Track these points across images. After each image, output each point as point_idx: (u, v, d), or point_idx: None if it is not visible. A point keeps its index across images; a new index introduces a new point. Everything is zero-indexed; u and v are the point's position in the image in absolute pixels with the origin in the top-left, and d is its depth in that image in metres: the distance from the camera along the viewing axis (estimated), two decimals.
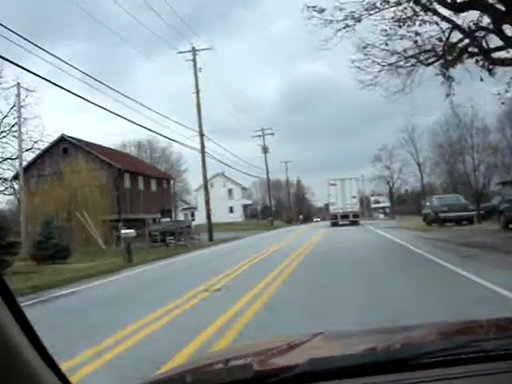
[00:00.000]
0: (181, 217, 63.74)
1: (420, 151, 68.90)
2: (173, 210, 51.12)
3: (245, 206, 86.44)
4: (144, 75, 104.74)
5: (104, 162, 34.93)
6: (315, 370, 1.12)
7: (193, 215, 68.96)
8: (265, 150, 63.81)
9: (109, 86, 20.57)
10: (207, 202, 34.45)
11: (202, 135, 33.79)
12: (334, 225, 40.73)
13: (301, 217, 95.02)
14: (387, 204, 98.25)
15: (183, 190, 77.36)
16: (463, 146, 43.65)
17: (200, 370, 1.38)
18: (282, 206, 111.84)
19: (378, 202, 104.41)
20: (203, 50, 32.88)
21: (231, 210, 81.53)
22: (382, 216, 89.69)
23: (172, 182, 52.33)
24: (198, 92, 33.06)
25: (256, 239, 31.91)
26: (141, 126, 25.21)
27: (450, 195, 34.52)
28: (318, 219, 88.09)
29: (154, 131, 30.41)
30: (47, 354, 0.94)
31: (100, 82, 32.01)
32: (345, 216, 41.49)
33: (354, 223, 40.24)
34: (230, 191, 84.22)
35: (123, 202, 34.92)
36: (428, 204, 32.87)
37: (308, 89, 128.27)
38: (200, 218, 59.88)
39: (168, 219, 36.98)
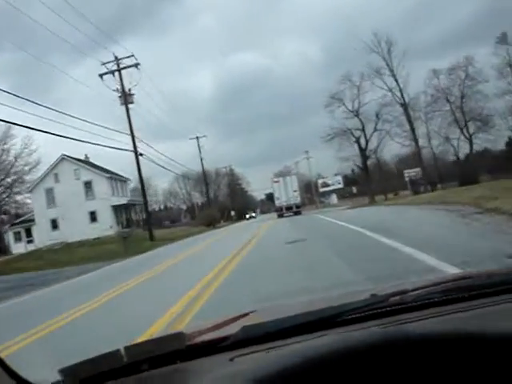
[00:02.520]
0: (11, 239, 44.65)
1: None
2: None
3: (120, 208, 50.59)
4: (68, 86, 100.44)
5: None
6: (248, 337, 1.16)
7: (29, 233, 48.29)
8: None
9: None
10: None
11: None
12: (280, 216, 44.66)
13: (233, 213, 75.18)
14: (338, 186, 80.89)
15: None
16: None
17: (134, 344, 1.34)
18: (215, 202, 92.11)
19: (326, 184, 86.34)
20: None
21: (93, 217, 48.26)
22: (334, 200, 71.71)
23: None
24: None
25: None
26: None
27: None
28: (254, 214, 67.33)
29: None
30: None
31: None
32: (289, 208, 45.53)
33: (297, 213, 44.12)
34: (86, 186, 48.67)
35: None
36: None
37: (243, 80, 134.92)
38: (43, 236, 40.14)
39: None
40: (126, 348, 1.19)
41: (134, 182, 57.28)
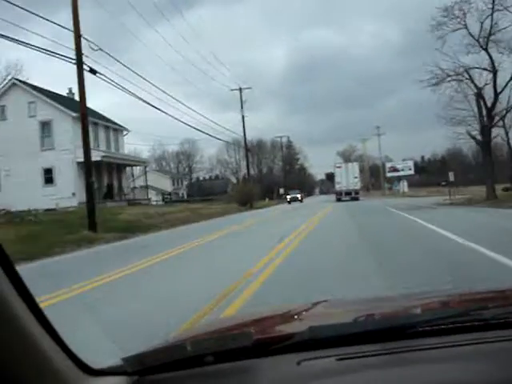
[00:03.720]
0: None
1: None
2: None
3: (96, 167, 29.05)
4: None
5: None
6: (315, 338, 1.12)
7: None
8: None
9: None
10: None
11: None
12: (339, 200, 46.03)
13: (282, 191, 65.45)
14: (408, 172, 70.05)
15: None
16: None
17: (200, 337, 1.37)
18: (269, 177, 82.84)
19: (395, 169, 75.44)
20: None
21: (48, 177, 33.38)
22: (405, 188, 60.58)
23: None
24: None
25: None
26: None
27: None
28: (298, 196, 56.58)
29: None
30: (57, 334, 0.91)
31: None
32: (348, 193, 47.28)
33: (355, 199, 45.83)
34: (44, 128, 33.82)
35: None
36: None
37: (314, 57, 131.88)
38: None
39: None
40: (192, 341, 1.21)
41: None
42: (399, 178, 69.60)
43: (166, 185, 68.70)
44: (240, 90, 50.20)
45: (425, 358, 1.05)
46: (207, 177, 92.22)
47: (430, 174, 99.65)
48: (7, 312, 0.79)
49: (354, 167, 49.88)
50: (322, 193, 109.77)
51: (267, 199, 61.29)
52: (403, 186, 62.34)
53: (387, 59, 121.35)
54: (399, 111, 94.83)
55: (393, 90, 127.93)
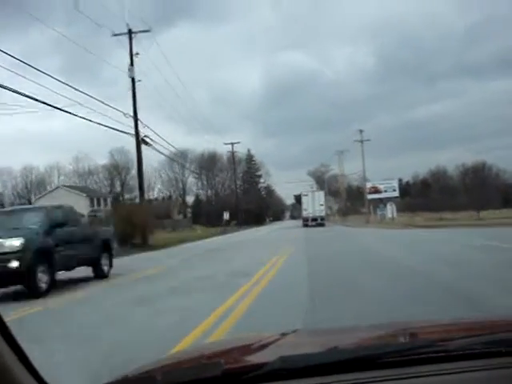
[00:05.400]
0: None
1: None
2: None
3: None
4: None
5: None
6: (285, 368, 1.12)
7: None
8: None
9: None
10: None
11: None
12: (306, 226, 48.42)
13: (226, 216, 49.49)
14: (392, 194, 56.51)
15: None
16: None
17: (169, 367, 1.38)
18: (226, 199, 67.27)
19: (376, 190, 62.12)
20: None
21: None
22: (390, 213, 45.69)
23: None
24: None
25: None
26: None
27: None
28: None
29: None
30: (21, 350, 0.93)
31: None
32: (314, 219, 49.83)
33: (321, 225, 48.29)
34: None
35: None
36: None
37: (286, 81, 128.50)
38: None
39: None
40: (162, 371, 1.24)
41: None
42: (381, 201, 54.92)
43: (80, 205, 52.12)
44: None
45: None
46: (156, 196, 76.08)
47: (414, 196, 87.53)
48: None
49: (320, 195, 52.72)
50: (292, 218, 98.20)
51: (198, 228, 45.03)
52: (391, 210, 47.20)
53: (361, 83, 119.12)
54: (374, 135, 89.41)
55: (368, 115, 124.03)
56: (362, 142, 54.11)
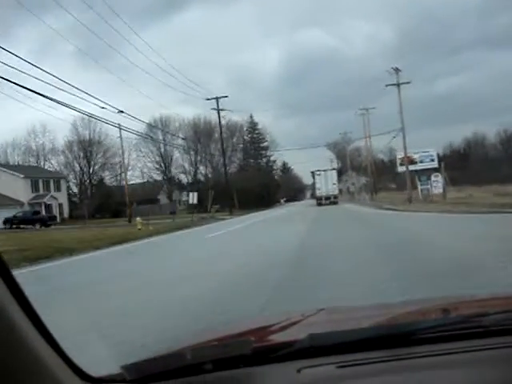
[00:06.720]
0: None
1: None
2: None
3: None
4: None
5: None
6: (315, 345, 1.12)
7: None
8: None
9: None
10: None
11: None
12: (319, 204, 49.80)
13: (211, 199, 36.45)
14: (430, 164, 47.02)
15: None
16: None
17: (198, 346, 1.36)
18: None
19: (410, 161, 48.64)
20: None
21: None
22: (440, 188, 31.76)
23: None
24: None
25: None
26: None
27: None
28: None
29: None
30: (55, 341, 0.90)
31: None
32: (327, 198, 52.19)
33: (334, 203, 50.39)
34: None
35: None
36: None
37: (304, 59, 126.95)
38: None
39: None
40: (191, 349, 1.22)
41: None
42: (422, 173, 41.13)
43: (15, 190, 39.09)
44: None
45: (426, 364, 1.06)
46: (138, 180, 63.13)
47: (452, 169, 77.10)
48: (4, 319, 0.78)
49: (333, 174, 55.11)
50: (313, 197, 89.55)
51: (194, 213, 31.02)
52: (439, 183, 33.10)
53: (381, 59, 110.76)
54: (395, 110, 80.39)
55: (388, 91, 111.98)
56: (398, 85, 39.59)
